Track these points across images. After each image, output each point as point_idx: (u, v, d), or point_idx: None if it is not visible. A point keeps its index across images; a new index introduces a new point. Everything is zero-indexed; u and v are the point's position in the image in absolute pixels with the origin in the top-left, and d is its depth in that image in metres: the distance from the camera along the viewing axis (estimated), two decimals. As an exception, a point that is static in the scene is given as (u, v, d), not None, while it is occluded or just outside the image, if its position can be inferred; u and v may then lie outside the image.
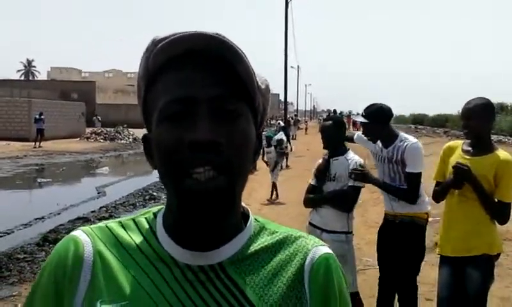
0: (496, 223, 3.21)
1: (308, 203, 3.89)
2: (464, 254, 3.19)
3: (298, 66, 67.03)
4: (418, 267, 3.76)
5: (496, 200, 3.12)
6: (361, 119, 3.78)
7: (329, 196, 3.74)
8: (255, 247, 0.80)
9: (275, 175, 11.06)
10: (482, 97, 3.22)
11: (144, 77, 0.78)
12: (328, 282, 0.80)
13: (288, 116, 28.61)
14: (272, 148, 11.12)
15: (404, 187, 3.62)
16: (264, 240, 0.82)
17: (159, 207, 0.86)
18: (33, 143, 25.21)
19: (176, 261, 0.77)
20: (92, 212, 9.84)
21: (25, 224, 8.92)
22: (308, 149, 24.25)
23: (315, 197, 3.82)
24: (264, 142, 11.30)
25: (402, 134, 3.72)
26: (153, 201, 11.15)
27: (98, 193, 12.50)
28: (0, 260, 6.53)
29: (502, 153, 3.16)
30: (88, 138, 30.75)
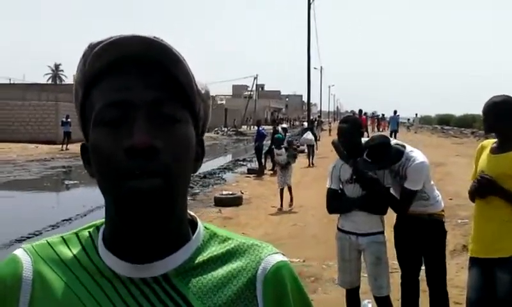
0: None
1: (335, 210, 3.75)
2: (492, 255, 3.13)
3: (321, 67, 66.83)
4: (445, 264, 3.74)
5: None
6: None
7: (361, 202, 3.59)
8: (203, 256, 0.77)
9: (288, 178, 10.52)
10: (504, 94, 3.19)
11: (81, 83, 0.75)
12: (283, 292, 0.77)
13: (311, 117, 28.38)
14: (283, 149, 10.93)
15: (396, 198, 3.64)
16: (213, 249, 0.79)
17: (102, 220, 0.82)
18: (60, 146, 25.66)
19: (117, 275, 0.74)
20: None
21: (53, 226, 9.08)
22: (331, 150, 24.04)
23: (344, 203, 3.66)
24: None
25: (408, 151, 3.63)
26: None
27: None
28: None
29: None
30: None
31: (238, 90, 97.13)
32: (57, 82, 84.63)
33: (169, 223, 0.74)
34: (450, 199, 7.23)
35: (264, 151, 16.23)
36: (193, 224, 0.81)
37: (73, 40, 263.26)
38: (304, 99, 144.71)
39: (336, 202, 3.70)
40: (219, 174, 16.63)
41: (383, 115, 43.16)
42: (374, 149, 3.53)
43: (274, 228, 8.07)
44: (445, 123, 59.17)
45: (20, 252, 0.79)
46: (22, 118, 29.50)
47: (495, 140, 3.30)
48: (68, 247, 0.80)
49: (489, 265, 3.15)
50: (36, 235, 8.41)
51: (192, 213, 0.82)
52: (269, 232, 7.80)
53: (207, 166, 19.02)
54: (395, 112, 33.32)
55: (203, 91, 0.79)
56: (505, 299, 3.03)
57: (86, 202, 11.05)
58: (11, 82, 54.45)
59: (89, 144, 0.74)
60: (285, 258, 0.81)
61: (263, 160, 16.19)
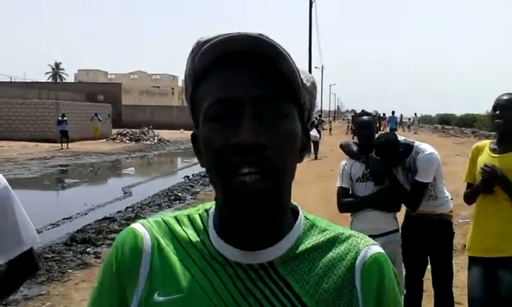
0: None
1: (347, 207, 3.63)
2: (495, 255, 3.14)
3: (322, 66, 66.74)
4: (452, 265, 3.73)
5: None
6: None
7: (377, 198, 3.49)
8: (305, 245, 0.81)
9: None
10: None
11: (190, 78, 0.80)
12: (381, 282, 0.80)
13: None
14: None
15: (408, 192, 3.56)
16: (314, 239, 0.82)
17: (212, 203, 0.87)
18: (59, 145, 25.64)
19: (227, 260, 0.79)
20: (118, 212, 9.94)
21: (53, 224, 9.08)
22: (332, 149, 24.05)
23: (358, 201, 3.54)
24: None
25: (417, 144, 3.60)
26: (178, 201, 11.22)
27: (125, 193, 12.63)
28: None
29: None
30: (114, 139, 31.22)
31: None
32: (58, 81, 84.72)
33: (276, 216, 0.79)
34: (452, 198, 7.21)
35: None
36: (295, 213, 0.85)
37: (74, 39, 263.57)
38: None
39: (347, 200, 3.58)
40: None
41: (384, 114, 43.18)
42: (383, 147, 3.48)
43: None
44: (445, 122, 59.25)
45: (137, 226, 0.86)
46: (22, 116, 29.62)
47: (490, 141, 3.33)
48: (181, 227, 0.85)
49: (491, 264, 3.15)
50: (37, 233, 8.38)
51: (294, 203, 0.85)
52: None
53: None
54: (393, 112, 33.39)
55: (308, 83, 0.83)
56: (509, 299, 3.02)
57: (87, 200, 11.08)
58: (12, 80, 54.59)
59: (200, 138, 0.78)
60: (381, 250, 0.83)
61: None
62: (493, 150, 3.24)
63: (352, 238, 0.84)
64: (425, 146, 3.61)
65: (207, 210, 0.86)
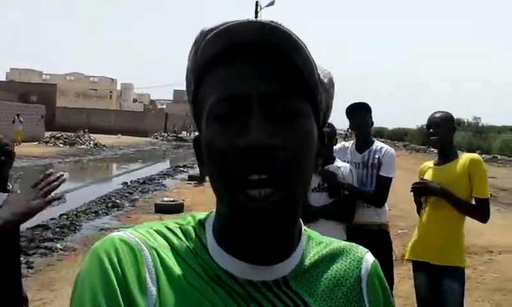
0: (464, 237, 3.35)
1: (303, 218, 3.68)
2: (440, 262, 3.28)
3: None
4: (393, 274, 3.84)
5: (474, 199, 3.27)
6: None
7: (331, 209, 3.55)
8: (310, 258, 0.75)
9: None
10: (445, 111, 3.46)
11: (193, 72, 0.70)
12: (384, 291, 0.80)
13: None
14: None
15: (372, 191, 3.69)
16: (316, 251, 0.77)
17: (205, 214, 0.76)
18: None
19: (234, 277, 0.68)
20: (52, 219, 9.47)
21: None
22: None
23: (314, 211, 3.53)
24: None
25: (377, 141, 3.87)
26: (116, 208, 10.84)
27: (58, 199, 12.05)
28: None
29: (469, 154, 3.45)
30: (46, 142, 29.87)
31: (179, 95, 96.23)
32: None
33: (290, 229, 0.72)
34: (389, 209, 7.48)
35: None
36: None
37: (5, 38, 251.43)
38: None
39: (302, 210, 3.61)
40: (158, 180, 16.30)
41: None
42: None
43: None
44: (378, 135, 61.36)
45: (124, 234, 0.68)
46: None
47: (433, 161, 3.61)
48: (177, 237, 0.72)
49: (434, 271, 3.30)
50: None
51: None
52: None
53: (146, 172, 18.68)
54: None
55: (325, 80, 0.73)
56: None
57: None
58: None
59: (202, 141, 0.69)
60: (373, 257, 0.82)
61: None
62: (436, 164, 3.51)
63: (349, 247, 0.81)
64: (384, 144, 3.84)
65: (200, 221, 0.74)
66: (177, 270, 0.67)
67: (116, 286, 0.63)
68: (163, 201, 10.62)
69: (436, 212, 3.31)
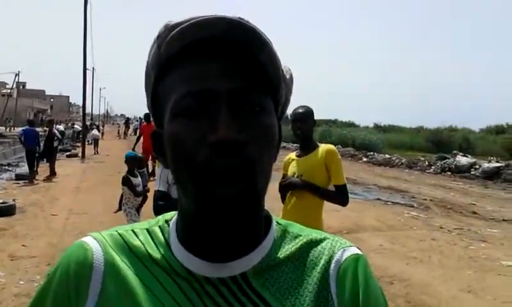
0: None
1: (162, 211, 3.71)
2: None
3: (93, 68, 63.98)
4: None
5: (333, 186, 3.58)
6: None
7: None
8: (279, 254, 0.74)
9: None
10: (306, 105, 3.75)
11: (155, 67, 0.70)
12: (357, 286, 0.71)
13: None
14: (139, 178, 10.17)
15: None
16: (287, 247, 0.75)
17: (172, 213, 0.79)
18: None
19: (193, 274, 0.71)
20: None
21: None
22: (108, 155, 23.45)
23: (172, 203, 3.65)
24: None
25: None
26: None
27: None
28: None
29: (325, 145, 3.72)
30: None
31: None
32: None
33: (252, 222, 0.72)
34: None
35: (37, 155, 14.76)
36: (267, 220, 0.77)
37: None
38: (72, 100, 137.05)
39: (162, 203, 3.71)
40: (-20, 180, 14.61)
41: None
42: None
43: (59, 238, 7.46)
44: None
45: (88, 239, 0.75)
46: None
47: (294, 152, 3.87)
48: (139, 239, 0.76)
49: None
50: None
51: (266, 209, 0.77)
52: (53, 242, 7.20)
53: (-38, 172, 16.56)
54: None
55: (287, 76, 0.75)
56: None
57: None
58: None
59: (166, 136, 0.68)
60: (359, 251, 0.76)
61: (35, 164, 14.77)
62: (298, 156, 3.78)
63: (327, 241, 0.77)
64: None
65: (167, 221, 0.78)
66: (130, 272, 0.71)
67: (58, 303, 0.71)
68: (-9, 203, 9.58)
69: (299, 201, 3.60)
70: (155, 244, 0.75)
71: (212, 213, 0.64)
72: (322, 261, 0.74)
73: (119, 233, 0.76)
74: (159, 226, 0.78)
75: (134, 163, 6.50)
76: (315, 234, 0.79)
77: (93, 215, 9.22)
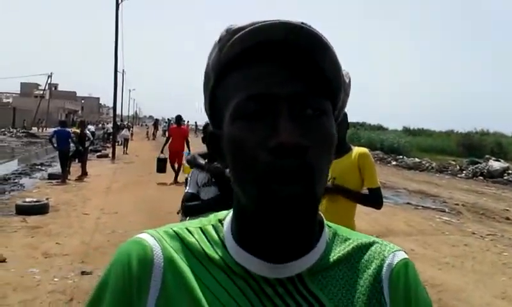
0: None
1: (190, 211, 3.75)
2: None
3: (124, 70, 65.01)
4: None
5: (367, 189, 3.53)
6: None
7: (214, 201, 3.69)
8: (332, 257, 0.75)
9: None
10: None
11: (215, 69, 0.71)
12: (409, 291, 0.74)
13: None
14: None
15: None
16: (339, 249, 0.77)
17: (225, 213, 0.80)
18: None
19: (250, 273, 0.71)
20: None
21: None
22: (137, 155, 23.76)
23: (200, 205, 3.70)
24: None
25: None
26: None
27: None
28: None
29: (358, 148, 3.66)
30: None
31: (27, 88, 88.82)
32: None
33: (309, 224, 0.73)
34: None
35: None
36: (319, 222, 0.78)
37: None
38: (101, 101, 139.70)
39: (190, 204, 3.74)
40: (14, 179, 14.96)
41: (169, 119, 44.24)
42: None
43: (91, 236, 7.61)
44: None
45: (146, 236, 0.75)
46: None
47: None
48: (194, 237, 0.76)
49: None
50: None
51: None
52: (86, 240, 7.34)
53: (-3, 171, 17.04)
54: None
55: (346, 80, 0.75)
56: None
57: None
58: None
59: (226, 138, 0.69)
60: (407, 256, 0.78)
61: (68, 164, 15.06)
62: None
63: (376, 245, 0.78)
64: None
65: (220, 221, 0.79)
66: (188, 270, 0.72)
67: (120, 299, 0.71)
68: (25, 201, 9.80)
69: (332, 205, 3.53)
70: (209, 242, 0.76)
71: (273, 213, 0.64)
72: (374, 265, 0.76)
73: (174, 230, 0.77)
74: (212, 225, 0.79)
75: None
76: (364, 237, 0.80)
77: (123, 214, 9.36)
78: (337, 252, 0.76)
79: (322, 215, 0.79)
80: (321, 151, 0.66)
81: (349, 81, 0.69)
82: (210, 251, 0.74)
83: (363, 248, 0.78)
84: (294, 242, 0.71)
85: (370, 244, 0.79)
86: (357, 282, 0.74)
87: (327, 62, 0.67)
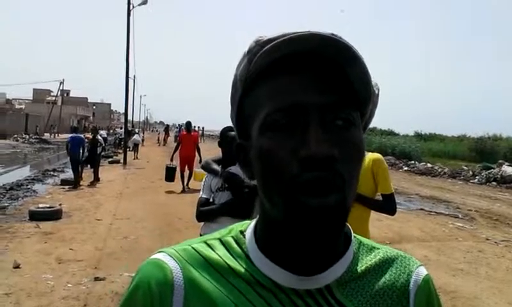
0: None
1: (203, 216, 3.80)
2: None
3: (134, 76, 65.36)
4: None
5: (380, 195, 3.48)
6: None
7: (227, 206, 3.70)
8: (360, 267, 0.75)
9: None
10: None
11: (243, 80, 0.70)
12: (432, 305, 0.78)
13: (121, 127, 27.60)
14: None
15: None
16: (366, 259, 0.77)
17: (245, 224, 0.79)
18: None
19: (279, 286, 0.70)
20: None
21: None
22: (148, 161, 23.85)
23: (213, 209, 3.74)
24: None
25: None
26: (-18, 218, 9.84)
27: None
28: None
29: (371, 154, 3.59)
30: None
31: (40, 95, 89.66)
32: None
33: (339, 235, 0.72)
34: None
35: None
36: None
37: None
38: (113, 107, 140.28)
39: (203, 209, 3.76)
40: (27, 185, 15.07)
41: (180, 125, 44.37)
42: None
43: (104, 242, 7.64)
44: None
45: (163, 257, 0.73)
46: None
47: None
48: (215, 252, 0.75)
49: None
50: None
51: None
52: (99, 246, 7.37)
53: (10, 176, 17.18)
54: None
55: (376, 91, 0.75)
56: None
57: None
58: None
59: (255, 149, 0.69)
60: (428, 271, 0.80)
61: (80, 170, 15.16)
62: None
63: (401, 258, 0.79)
64: None
65: (242, 232, 0.78)
66: (211, 286, 0.71)
67: None
68: (38, 207, 9.87)
69: None
70: (232, 255, 0.74)
71: (302, 224, 0.63)
72: (402, 279, 0.77)
73: (193, 247, 0.75)
74: (232, 237, 0.77)
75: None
76: (388, 249, 0.81)
77: (135, 220, 9.39)
78: (364, 263, 0.76)
79: (348, 224, 0.78)
80: (351, 162, 0.66)
81: (378, 92, 0.67)
82: (234, 264, 0.73)
83: (390, 260, 0.79)
84: (323, 254, 0.71)
85: (396, 257, 0.80)
86: (385, 293, 0.75)
87: (357, 74, 0.67)
